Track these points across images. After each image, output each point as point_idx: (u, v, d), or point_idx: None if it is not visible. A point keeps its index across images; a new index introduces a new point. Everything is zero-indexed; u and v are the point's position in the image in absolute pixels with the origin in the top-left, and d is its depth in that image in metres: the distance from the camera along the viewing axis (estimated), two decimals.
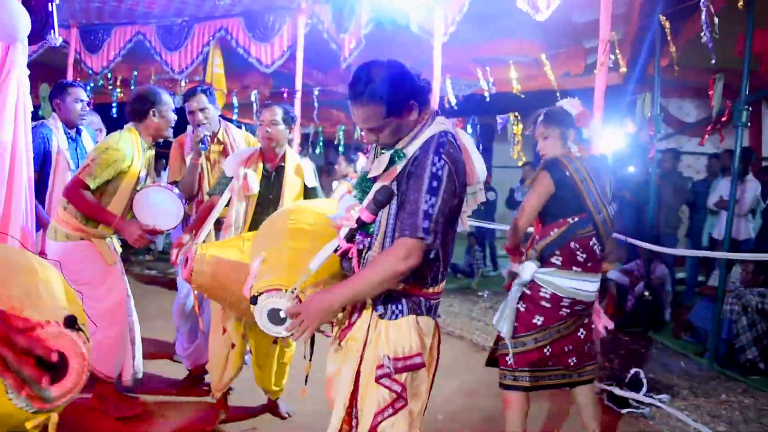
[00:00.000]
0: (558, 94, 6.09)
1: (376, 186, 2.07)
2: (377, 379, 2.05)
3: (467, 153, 2.16)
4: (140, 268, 8.89)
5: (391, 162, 2.05)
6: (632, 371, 4.42)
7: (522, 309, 3.14)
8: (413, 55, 7.13)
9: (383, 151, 2.13)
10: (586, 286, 3.07)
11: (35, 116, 3.79)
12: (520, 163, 6.79)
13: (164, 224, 3.60)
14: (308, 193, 3.62)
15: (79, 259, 3.53)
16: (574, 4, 5.47)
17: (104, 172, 3.45)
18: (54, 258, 3.46)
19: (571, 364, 3.16)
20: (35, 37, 3.71)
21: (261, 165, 3.53)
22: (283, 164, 3.56)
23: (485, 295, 7.89)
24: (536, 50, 6.93)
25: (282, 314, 2.13)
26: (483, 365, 3.42)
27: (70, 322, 1.37)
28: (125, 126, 3.66)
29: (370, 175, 2.12)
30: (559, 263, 3.08)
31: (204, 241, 3.32)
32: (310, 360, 2.42)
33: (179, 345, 4.32)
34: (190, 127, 4.26)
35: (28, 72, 3.66)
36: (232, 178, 3.49)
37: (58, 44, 3.89)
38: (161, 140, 3.81)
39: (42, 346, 1.29)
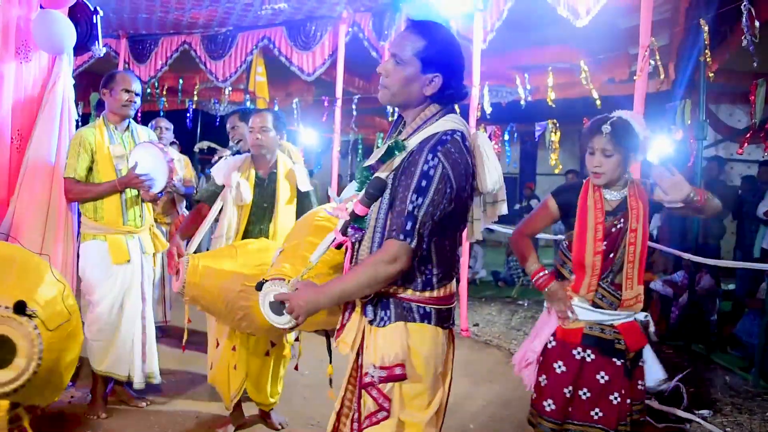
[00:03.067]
0: (597, 102, 5.99)
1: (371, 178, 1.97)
2: (362, 387, 1.98)
3: (480, 158, 2.03)
4: None
5: (389, 153, 1.93)
6: (672, 384, 4.30)
7: None
8: None
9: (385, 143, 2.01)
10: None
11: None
12: (557, 171, 6.67)
13: (152, 172, 3.59)
14: (302, 197, 3.58)
15: (88, 258, 3.60)
16: (617, 9, 5.39)
17: (79, 160, 3.51)
18: (80, 257, 3.58)
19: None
20: (81, 48, 3.86)
21: (253, 172, 3.50)
22: (275, 170, 3.53)
23: (525, 305, 7.80)
24: (578, 57, 6.84)
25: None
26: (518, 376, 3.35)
27: (19, 308, 1.39)
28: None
29: (366, 164, 2.03)
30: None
31: (196, 251, 3.30)
32: (330, 362, 2.38)
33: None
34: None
35: (75, 82, 3.80)
36: (223, 186, 3.47)
37: (102, 55, 4.02)
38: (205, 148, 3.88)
39: None
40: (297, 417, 3.84)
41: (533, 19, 5.73)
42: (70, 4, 3.61)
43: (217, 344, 3.50)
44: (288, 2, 5.96)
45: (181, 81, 9.37)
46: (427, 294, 1.98)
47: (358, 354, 2.04)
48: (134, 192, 3.64)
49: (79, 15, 3.77)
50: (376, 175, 1.94)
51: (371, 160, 1.99)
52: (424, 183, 1.83)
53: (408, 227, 1.83)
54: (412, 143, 1.92)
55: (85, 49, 3.91)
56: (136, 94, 3.64)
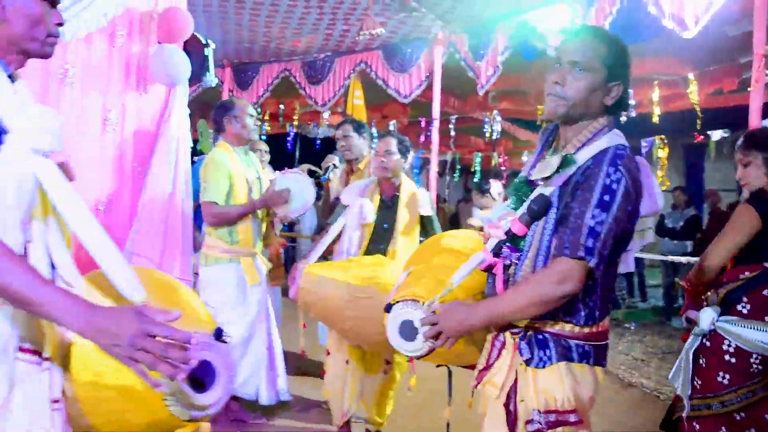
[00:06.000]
0: (699, 115, 5.72)
1: (533, 194, 1.81)
2: None
3: (646, 175, 1.87)
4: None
5: (561, 167, 1.76)
6: None
7: (702, 364, 2.70)
8: None
9: (547, 156, 1.85)
10: None
11: (194, 151, 4.11)
12: (664, 188, 6.43)
13: (296, 196, 3.76)
14: (424, 221, 3.63)
15: (223, 281, 3.74)
16: (725, 17, 5.16)
17: (219, 184, 3.66)
18: (203, 282, 3.75)
19: None
20: (194, 79, 4.07)
21: (378, 195, 3.60)
22: (398, 194, 3.60)
23: (632, 327, 7.52)
24: (683, 68, 6.60)
25: (417, 326, 1.95)
26: (628, 403, 3.21)
27: (219, 334, 1.45)
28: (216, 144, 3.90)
29: (533, 177, 1.83)
30: (746, 312, 2.63)
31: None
32: (449, 402, 2.35)
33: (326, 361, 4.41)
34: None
35: (188, 111, 4.02)
36: (348, 206, 3.58)
37: (214, 85, 4.24)
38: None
39: (195, 359, 1.35)
40: None
41: (635, 31, 5.56)
42: (184, 39, 3.82)
43: (328, 353, 3.61)
44: (384, 27, 6.06)
45: (281, 106, 9.69)
46: (586, 330, 1.81)
47: (508, 396, 1.84)
48: (264, 213, 3.83)
49: (192, 48, 4.00)
50: (539, 191, 1.79)
51: (539, 175, 1.80)
52: (606, 198, 1.67)
53: (589, 244, 1.66)
54: (581, 158, 1.77)
55: (198, 80, 4.14)
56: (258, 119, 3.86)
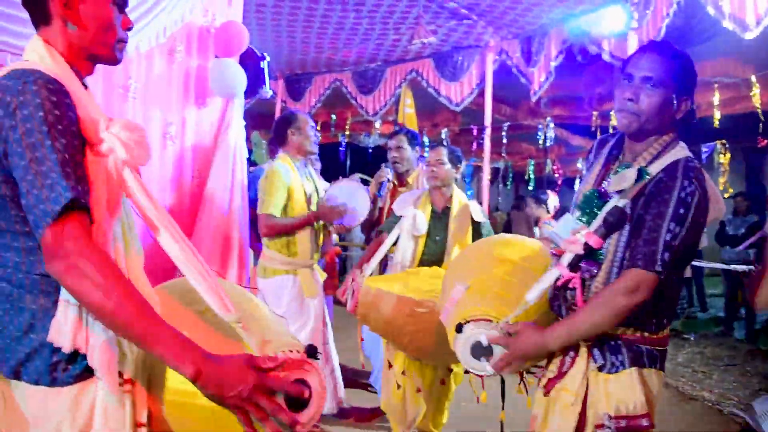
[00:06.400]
0: (762, 118, 5.55)
1: (608, 206, 1.84)
2: None
3: (710, 184, 1.92)
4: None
5: (637, 180, 1.80)
6: None
7: None
8: (605, 84, 6.94)
9: (618, 169, 1.89)
10: None
11: (249, 161, 4.19)
12: (726, 195, 6.23)
13: (352, 208, 3.81)
14: (476, 228, 3.62)
15: (281, 293, 3.79)
16: None
17: (277, 196, 3.73)
18: (262, 293, 3.81)
19: None
20: (250, 92, 4.15)
21: (429, 206, 3.61)
22: (449, 206, 3.61)
23: (692, 338, 7.30)
24: (744, 70, 6.40)
25: (490, 347, 1.94)
26: (689, 416, 3.13)
27: (312, 352, 1.44)
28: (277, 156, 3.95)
29: (610, 190, 1.88)
30: None
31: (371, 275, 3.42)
32: (503, 408, 2.31)
33: (373, 375, 4.44)
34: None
35: (244, 122, 4.10)
36: (401, 217, 3.59)
37: (269, 97, 4.31)
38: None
39: (291, 385, 1.35)
40: None
41: (694, 33, 5.43)
42: (241, 52, 3.90)
43: (390, 366, 3.59)
44: (435, 35, 6.07)
45: (333, 116, 9.78)
46: (654, 335, 1.88)
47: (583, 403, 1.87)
48: (320, 223, 3.88)
49: (248, 61, 4.08)
50: (613, 203, 1.84)
51: (616, 188, 1.85)
52: (682, 211, 1.74)
53: (665, 258, 1.73)
54: (653, 170, 1.83)
55: (253, 92, 4.22)
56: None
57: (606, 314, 1.77)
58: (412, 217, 3.53)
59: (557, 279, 1.90)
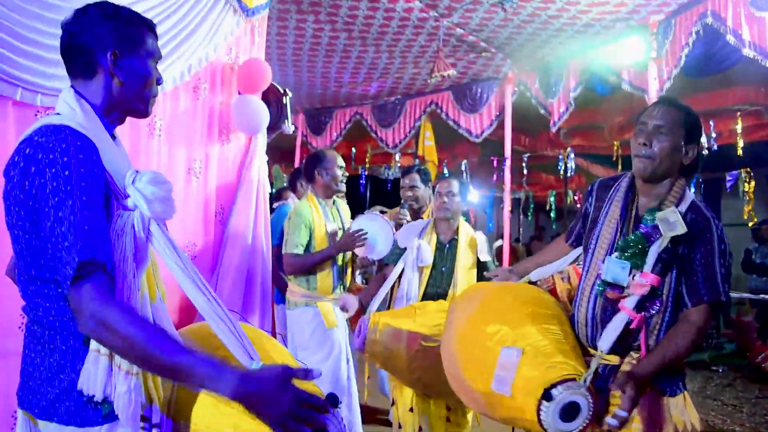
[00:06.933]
0: None
1: (658, 247, 2.01)
2: None
3: None
4: None
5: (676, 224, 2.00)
6: None
7: None
8: (625, 114, 6.92)
9: (648, 217, 2.06)
10: None
11: (270, 196, 4.21)
12: (750, 224, 6.14)
13: (375, 238, 3.81)
14: (481, 266, 3.59)
15: (304, 325, 3.81)
16: None
17: (300, 235, 3.76)
18: (289, 325, 3.81)
19: None
20: (272, 128, 4.19)
21: (435, 237, 3.57)
22: (456, 237, 3.58)
23: (720, 371, 7.15)
24: (766, 97, 6.36)
25: (580, 407, 1.92)
26: None
27: (333, 401, 1.43)
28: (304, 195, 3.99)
29: (666, 234, 2.00)
30: None
31: (377, 311, 3.38)
32: None
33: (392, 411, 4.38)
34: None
35: (266, 158, 4.13)
36: (405, 249, 3.56)
37: (291, 132, 4.35)
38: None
39: (317, 399, 1.38)
40: None
41: (714, 61, 5.42)
42: (263, 89, 3.95)
43: (393, 403, 3.55)
44: (454, 68, 6.11)
45: (353, 149, 9.85)
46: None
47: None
48: (345, 259, 3.90)
49: (270, 97, 4.13)
50: (665, 244, 2.01)
51: (671, 233, 1.99)
52: (723, 247, 2.02)
53: (726, 289, 2.01)
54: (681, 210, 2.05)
55: (276, 128, 4.26)
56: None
57: (687, 347, 1.99)
58: (416, 249, 3.50)
59: (628, 323, 2.01)
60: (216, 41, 3.66)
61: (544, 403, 1.90)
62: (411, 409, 3.44)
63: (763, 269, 7.87)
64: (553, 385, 1.91)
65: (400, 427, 3.48)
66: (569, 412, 1.90)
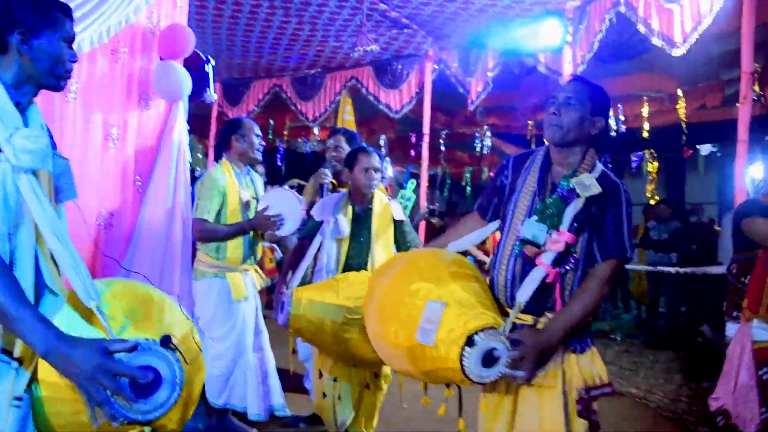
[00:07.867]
0: (685, 130, 5.85)
1: (574, 208, 2.16)
2: (579, 414, 2.14)
3: None
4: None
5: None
6: None
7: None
8: (540, 96, 7.16)
9: (564, 183, 2.21)
10: None
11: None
12: (652, 201, 6.53)
13: (285, 217, 3.78)
14: (398, 227, 3.66)
15: (208, 296, 3.74)
16: (712, 35, 5.29)
17: (213, 201, 3.67)
18: (194, 296, 3.77)
19: None
20: (194, 95, 4.10)
21: (350, 208, 3.60)
22: (371, 206, 3.62)
23: (618, 339, 7.61)
24: (669, 84, 6.74)
25: (499, 355, 1.99)
26: (619, 411, 3.29)
27: (165, 341, 1.54)
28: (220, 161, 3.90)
29: (582, 195, 2.16)
30: None
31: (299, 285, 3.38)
32: (460, 415, 2.32)
33: (307, 379, 4.40)
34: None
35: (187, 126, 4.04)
36: (321, 222, 3.58)
37: (214, 100, 4.27)
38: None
39: (135, 369, 1.44)
40: None
41: (625, 49, 5.69)
42: (186, 56, 3.86)
43: (321, 375, 3.60)
44: (377, 43, 6.13)
45: (271, 121, 9.72)
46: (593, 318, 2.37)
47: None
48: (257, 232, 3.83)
49: (192, 64, 4.03)
50: (580, 205, 2.17)
51: (587, 194, 2.15)
52: (630, 209, 2.20)
53: (631, 245, 2.19)
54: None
55: (198, 95, 4.17)
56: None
57: (597, 300, 2.16)
58: (333, 222, 3.52)
59: (545, 277, 2.13)
60: (136, 3, 3.53)
61: (467, 349, 1.96)
62: (335, 379, 3.48)
63: (659, 245, 8.38)
64: (476, 333, 1.99)
65: (324, 396, 3.51)
66: (490, 359, 1.98)
